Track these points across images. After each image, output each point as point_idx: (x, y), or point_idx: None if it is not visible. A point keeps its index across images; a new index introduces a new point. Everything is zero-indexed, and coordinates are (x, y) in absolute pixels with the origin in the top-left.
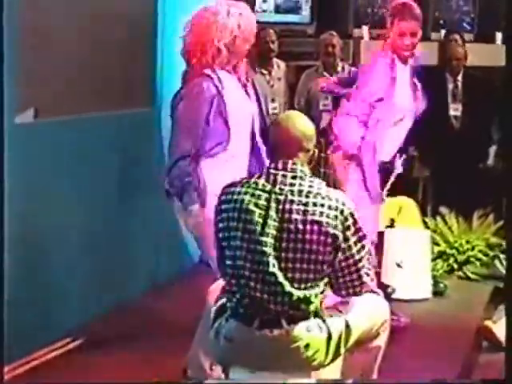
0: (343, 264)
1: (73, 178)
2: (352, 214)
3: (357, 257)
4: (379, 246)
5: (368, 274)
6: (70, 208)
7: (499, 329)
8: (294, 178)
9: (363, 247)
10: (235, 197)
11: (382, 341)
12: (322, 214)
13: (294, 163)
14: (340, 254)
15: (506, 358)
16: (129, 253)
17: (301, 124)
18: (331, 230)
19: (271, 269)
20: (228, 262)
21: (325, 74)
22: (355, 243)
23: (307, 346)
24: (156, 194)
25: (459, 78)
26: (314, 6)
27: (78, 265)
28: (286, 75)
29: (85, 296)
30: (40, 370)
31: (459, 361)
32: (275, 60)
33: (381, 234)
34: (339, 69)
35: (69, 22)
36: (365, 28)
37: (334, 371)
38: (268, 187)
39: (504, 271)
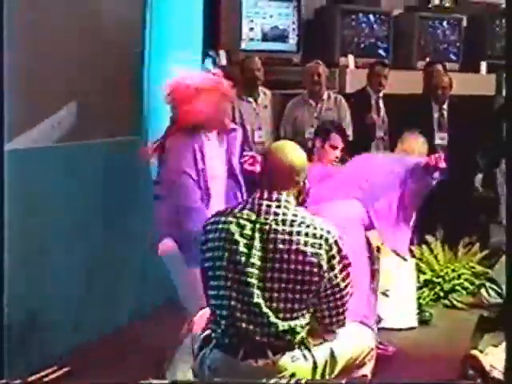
0: (328, 292)
1: (62, 201)
2: (336, 242)
3: (342, 285)
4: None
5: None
6: (57, 231)
7: (485, 358)
8: (278, 207)
9: (348, 275)
10: (220, 226)
11: (367, 370)
12: (306, 243)
13: (279, 193)
14: (325, 283)
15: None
16: (115, 278)
17: (292, 155)
18: (316, 260)
19: (256, 299)
20: (212, 292)
21: (311, 101)
22: (340, 271)
23: (293, 375)
24: (143, 220)
25: (445, 106)
26: (300, 34)
27: (64, 287)
28: (272, 103)
29: (71, 323)
30: None
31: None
32: (261, 88)
33: None
34: (325, 97)
35: (59, 47)
36: (350, 57)
37: None
38: (253, 217)
39: (491, 300)
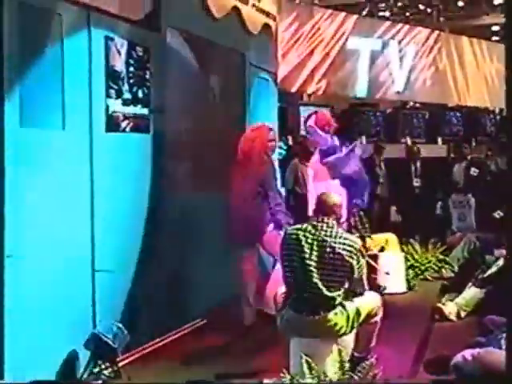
0: (355, 276)
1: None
2: (360, 251)
3: (362, 273)
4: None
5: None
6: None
7: (445, 308)
8: (327, 227)
9: (364, 266)
10: (293, 236)
11: (378, 318)
12: (343, 249)
13: (328, 218)
14: (353, 271)
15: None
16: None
17: (334, 199)
18: (348, 259)
19: (314, 279)
20: (289, 275)
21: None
22: (361, 266)
23: (335, 324)
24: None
25: (418, 164)
26: None
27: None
28: None
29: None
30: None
31: (421, 328)
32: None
33: (376, 256)
34: None
35: None
36: (363, 137)
37: (351, 338)
38: (312, 231)
39: (448, 274)
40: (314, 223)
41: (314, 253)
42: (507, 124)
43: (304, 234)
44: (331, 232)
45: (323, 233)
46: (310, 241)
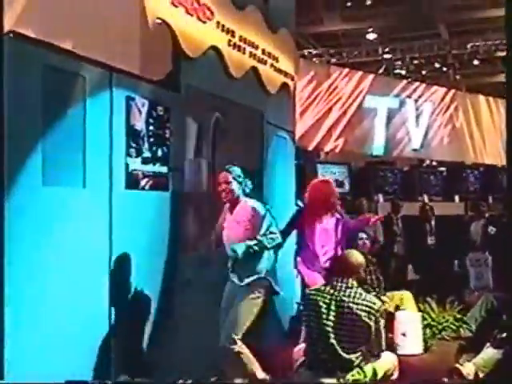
0: (373, 338)
1: None
2: (379, 311)
3: (380, 334)
4: (391, 324)
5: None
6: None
7: (463, 368)
8: (346, 288)
9: (383, 328)
10: (312, 297)
11: (394, 377)
12: (361, 310)
13: (348, 279)
14: (371, 333)
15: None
16: None
17: (357, 258)
18: (366, 320)
19: (331, 340)
20: (306, 335)
21: None
22: (379, 327)
23: None
24: None
25: (432, 223)
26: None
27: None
28: None
29: None
30: None
31: None
32: None
33: (391, 315)
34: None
35: None
36: (380, 195)
37: None
38: (331, 292)
39: (466, 334)
40: (334, 283)
41: (332, 313)
42: None
43: (322, 295)
44: (350, 292)
45: (342, 293)
46: (327, 301)
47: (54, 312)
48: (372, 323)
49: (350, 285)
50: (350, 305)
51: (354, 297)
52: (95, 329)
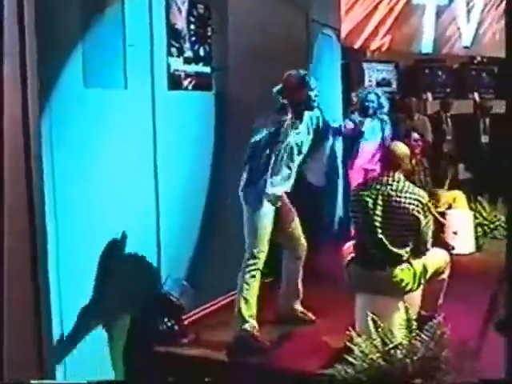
0: (422, 231)
1: None
2: (427, 204)
3: (429, 228)
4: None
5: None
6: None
7: None
8: (393, 181)
9: (431, 222)
10: (360, 192)
11: (445, 275)
12: (409, 203)
13: (394, 172)
14: (420, 226)
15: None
16: None
17: (402, 150)
18: (415, 213)
19: (379, 235)
20: (355, 231)
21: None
22: (428, 221)
23: (402, 280)
24: None
25: (487, 121)
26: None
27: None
28: None
29: None
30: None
31: (490, 288)
32: None
33: (443, 214)
34: (415, 118)
35: None
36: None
37: (417, 296)
38: (378, 186)
39: None
40: (380, 178)
41: (379, 207)
42: None
43: (369, 190)
44: (397, 186)
45: (388, 187)
46: (373, 196)
47: (100, 219)
48: (421, 216)
49: (396, 178)
50: (398, 198)
51: (401, 190)
52: (143, 238)
